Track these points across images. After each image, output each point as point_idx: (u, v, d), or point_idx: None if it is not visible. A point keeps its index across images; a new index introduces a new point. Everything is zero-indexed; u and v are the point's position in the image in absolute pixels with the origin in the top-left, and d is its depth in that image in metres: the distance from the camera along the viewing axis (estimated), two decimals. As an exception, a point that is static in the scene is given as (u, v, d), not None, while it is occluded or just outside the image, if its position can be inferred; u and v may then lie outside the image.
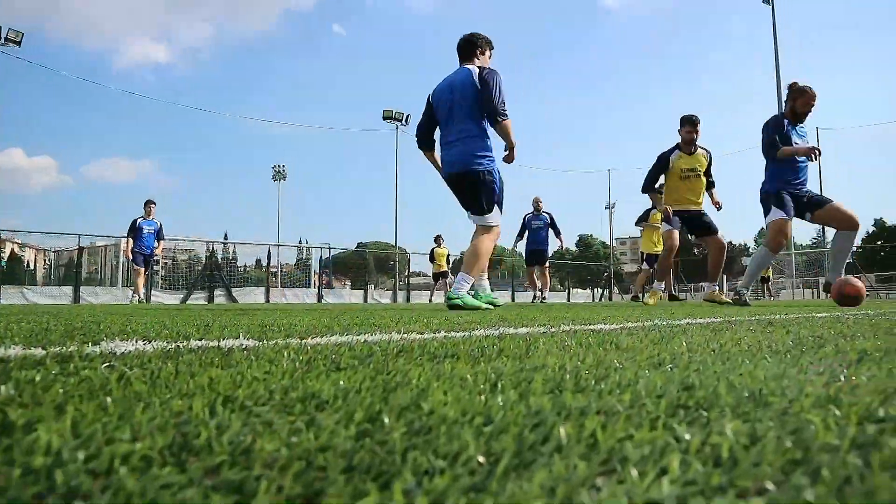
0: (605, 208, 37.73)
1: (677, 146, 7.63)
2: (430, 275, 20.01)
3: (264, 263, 24.15)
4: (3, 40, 16.93)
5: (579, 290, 35.26)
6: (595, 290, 35.21)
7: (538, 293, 13.18)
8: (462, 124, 5.15)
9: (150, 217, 12.94)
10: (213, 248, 21.43)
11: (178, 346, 1.50)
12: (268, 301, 20.81)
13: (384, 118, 28.54)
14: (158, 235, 13.02)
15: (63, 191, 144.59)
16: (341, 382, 0.87)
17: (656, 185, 7.85)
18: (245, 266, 26.05)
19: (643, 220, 12.00)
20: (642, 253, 12.35)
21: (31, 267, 24.76)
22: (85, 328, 2.27)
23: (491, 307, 5.20)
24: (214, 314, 4.22)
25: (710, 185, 7.79)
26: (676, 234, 7.57)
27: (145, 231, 12.78)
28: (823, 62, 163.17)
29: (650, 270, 11.31)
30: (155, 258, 13.41)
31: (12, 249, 22.45)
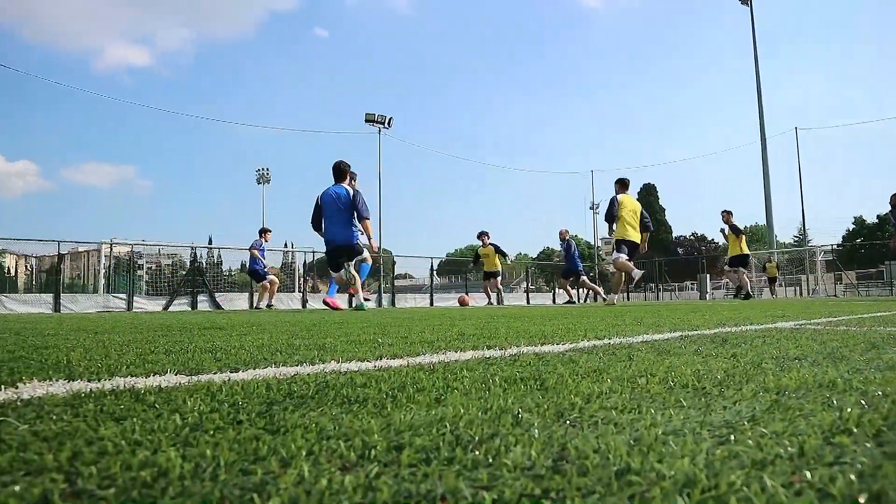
0: (589, 208, 37.80)
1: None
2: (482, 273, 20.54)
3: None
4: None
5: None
6: (580, 290, 35.29)
7: (577, 299, 17.96)
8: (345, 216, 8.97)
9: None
10: (196, 253, 21.18)
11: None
12: (251, 306, 20.57)
13: (366, 121, 28.38)
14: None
15: (44, 195, 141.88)
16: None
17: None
18: (230, 270, 25.73)
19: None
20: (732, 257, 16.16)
21: (13, 273, 24.29)
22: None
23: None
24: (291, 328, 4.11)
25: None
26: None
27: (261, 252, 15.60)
28: (803, 61, 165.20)
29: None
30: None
31: (-8, 256, 22.08)
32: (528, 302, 29.09)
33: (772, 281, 25.93)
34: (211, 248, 25.41)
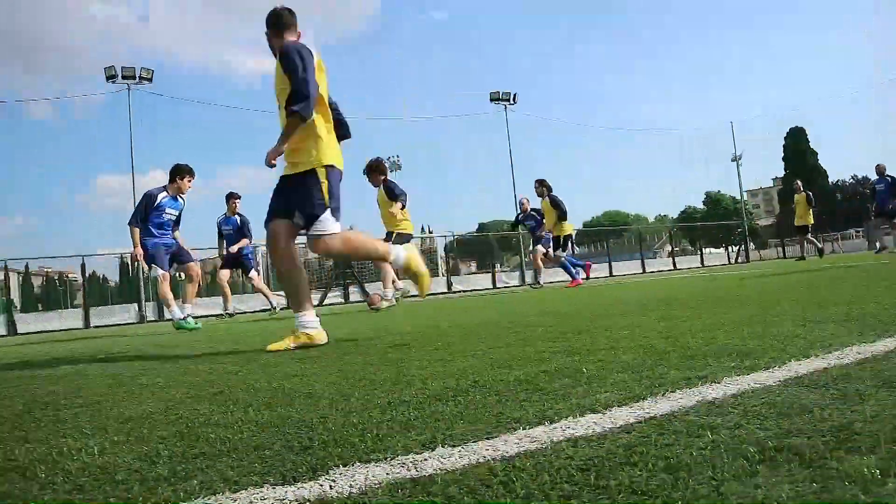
0: (731, 160, 35.51)
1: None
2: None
3: (390, 256, 24.60)
4: (137, 79, 18.47)
5: (712, 249, 33.54)
6: (730, 248, 33.42)
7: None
8: None
9: (233, 214, 10.83)
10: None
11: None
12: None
13: (491, 100, 28.37)
14: (241, 233, 10.73)
15: (206, 203, 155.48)
16: None
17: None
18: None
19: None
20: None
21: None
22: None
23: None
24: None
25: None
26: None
27: (223, 231, 10.87)
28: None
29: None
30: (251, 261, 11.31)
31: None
32: (674, 266, 27.90)
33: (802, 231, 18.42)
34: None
